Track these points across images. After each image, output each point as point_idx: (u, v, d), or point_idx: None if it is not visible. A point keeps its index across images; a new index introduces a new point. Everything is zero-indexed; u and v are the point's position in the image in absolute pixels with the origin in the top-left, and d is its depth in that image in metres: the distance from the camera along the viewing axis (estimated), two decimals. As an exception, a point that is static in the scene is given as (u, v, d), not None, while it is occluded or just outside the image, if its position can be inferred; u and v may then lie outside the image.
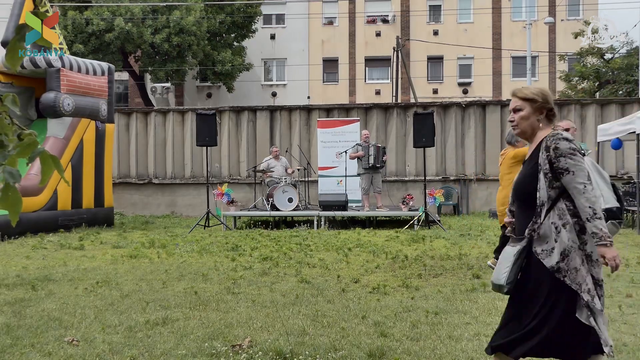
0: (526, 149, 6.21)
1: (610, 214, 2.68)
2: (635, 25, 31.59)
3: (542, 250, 2.62)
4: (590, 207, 2.50)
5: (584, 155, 2.74)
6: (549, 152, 2.63)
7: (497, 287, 2.75)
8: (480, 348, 3.85)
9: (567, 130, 6.08)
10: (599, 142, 12.82)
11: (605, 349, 2.55)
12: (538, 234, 2.64)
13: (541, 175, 2.65)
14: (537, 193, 2.67)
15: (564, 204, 2.62)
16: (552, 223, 2.61)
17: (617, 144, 11.71)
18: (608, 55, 25.23)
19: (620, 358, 3.64)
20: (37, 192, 10.56)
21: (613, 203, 2.71)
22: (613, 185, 2.77)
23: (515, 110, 2.79)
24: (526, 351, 2.63)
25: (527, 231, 2.68)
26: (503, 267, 2.73)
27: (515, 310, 2.74)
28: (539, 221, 2.64)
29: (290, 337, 4.04)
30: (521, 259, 2.69)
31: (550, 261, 2.58)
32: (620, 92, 23.55)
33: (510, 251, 2.72)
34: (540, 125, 2.75)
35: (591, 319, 2.53)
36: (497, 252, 6.62)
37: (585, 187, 2.53)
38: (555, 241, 2.58)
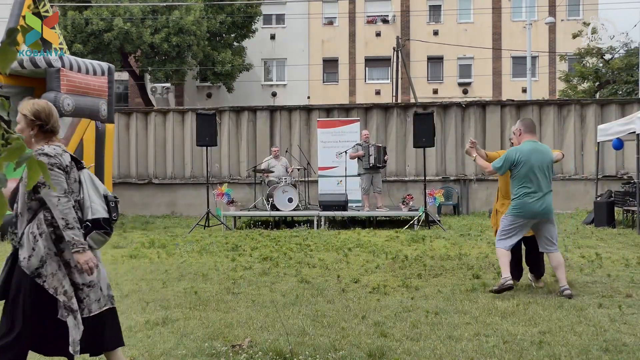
0: (493, 153, 6.19)
1: (96, 225, 2.94)
2: (635, 25, 31.60)
3: (24, 258, 2.84)
4: (63, 218, 2.76)
5: (82, 168, 2.98)
6: None
7: None
8: (480, 348, 3.85)
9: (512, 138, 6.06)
10: (599, 142, 12.81)
11: (70, 349, 2.78)
12: (19, 243, 2.87)
13: (21, 187, 2.88)
14: (15, 204, 2.90)
15: (42, 215, 2.86)
16: (31, 232, 2.84)
17: (619, 145, 11.68)
18: (608, 56, 25.21)
19: (620, 358, 3.64)
20: (37, 192, 10.55)
21: (102, 214, 2.96)
22: (106, 197, 3.04)
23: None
24: (18, 354, 2.81)
25: (12, 241, 2.91)
26: None
27: (5, 314, 2.92)
28: (16, 231, 2.88)
29: (290, 337, 4.04)
30: (8, 265, 2.92)
31: (30, 267, 2.81)
32: (620, 92, 23.54)
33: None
34: (34, 140, 2.94)
35: (69, 319, 2.78)
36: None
37: (59, 200, 2.77)
38: (34, 249, 2.82)
